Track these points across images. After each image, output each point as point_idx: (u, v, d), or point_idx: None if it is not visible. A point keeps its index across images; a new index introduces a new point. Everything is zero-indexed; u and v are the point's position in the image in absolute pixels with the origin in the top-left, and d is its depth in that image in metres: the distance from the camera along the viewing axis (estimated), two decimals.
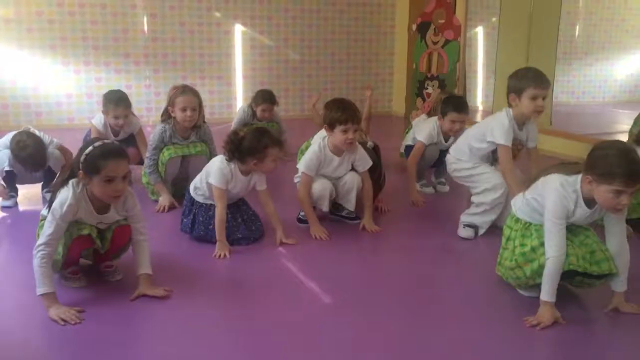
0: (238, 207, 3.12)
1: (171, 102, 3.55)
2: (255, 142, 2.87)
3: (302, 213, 3.31)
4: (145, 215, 2.54)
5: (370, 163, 3.29)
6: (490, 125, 3.07)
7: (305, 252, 2.98)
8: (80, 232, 2.34)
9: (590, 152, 2.18)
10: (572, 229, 2.30)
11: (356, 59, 7.61)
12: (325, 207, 3.29)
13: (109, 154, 2.25)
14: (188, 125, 3.56)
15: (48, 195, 3.71)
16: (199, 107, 3.58)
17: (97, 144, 2.30)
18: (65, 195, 2.27)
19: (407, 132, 4.53)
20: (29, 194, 3.79)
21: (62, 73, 6.27)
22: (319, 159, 3.19)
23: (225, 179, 2.90)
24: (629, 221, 2.84)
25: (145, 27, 6.48)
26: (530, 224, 2.38)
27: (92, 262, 2.63)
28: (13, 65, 6.10)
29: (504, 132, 2.98)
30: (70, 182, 2.31)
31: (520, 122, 3.05)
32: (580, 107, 7.31)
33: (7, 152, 3.49)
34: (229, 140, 2.90)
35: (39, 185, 3.77)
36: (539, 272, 2.26)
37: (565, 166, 2.32)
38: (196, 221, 3.04)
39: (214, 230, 2.91)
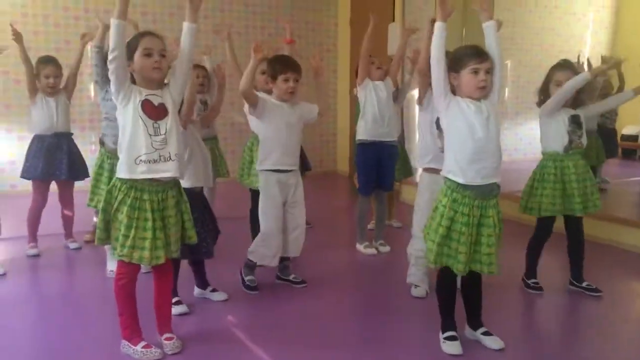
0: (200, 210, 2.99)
1: None
2: None
3: (247, 278, 3.40)
4: None
5: (316, 107, 3.41)
6: None
7: (252, 318, 3.06)
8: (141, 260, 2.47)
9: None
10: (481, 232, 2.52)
11: None
12: (273, 263, 3.36)
13: (145, 32, 2.53)
14: None
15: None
16: None
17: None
18: None
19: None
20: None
21: (5, 140, 6.25)
22: (265, 98, 3.29)
23: None
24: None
25: (92, 94, 6.56)
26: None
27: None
28: None
29: None
30: None
31: None
32: (514, 163, 7.70)
33: None
34: None
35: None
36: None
37: None
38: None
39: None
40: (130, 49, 2.46)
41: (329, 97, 7.78)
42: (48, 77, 4.09)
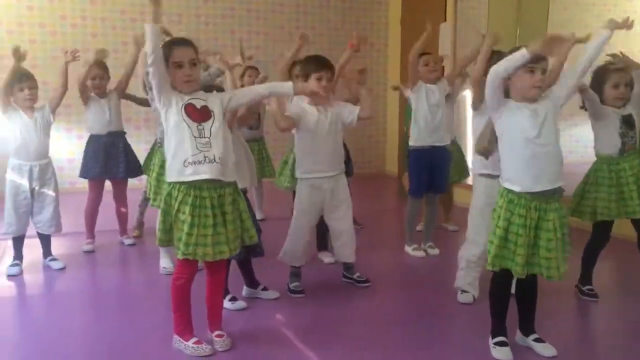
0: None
1: None
2: None
3: (292, 285, 3.41)
4: None
5: (357, 109, 3.26)
6: None
7: (303, 319, 3.09)
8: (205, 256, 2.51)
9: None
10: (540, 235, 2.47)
11: None
12: (297, 262, 3.38)
13: (175, 41, 2.56)
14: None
15: (52, 263, 3.86)
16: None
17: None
18: None
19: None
20: (33, 260, 3.91)
21: (65, 139, 6.49)
22: (295, 106, 3.27)
23: None
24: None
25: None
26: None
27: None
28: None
29: None
30: None
31: None
32: (569, 166, 7.47)
33: None
34: None
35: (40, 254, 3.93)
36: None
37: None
38: None
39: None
40: (163, 58, 2.47)
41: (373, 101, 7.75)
42: (94, 78, 4.21)
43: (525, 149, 2.44)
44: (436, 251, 4.19)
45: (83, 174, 4.35)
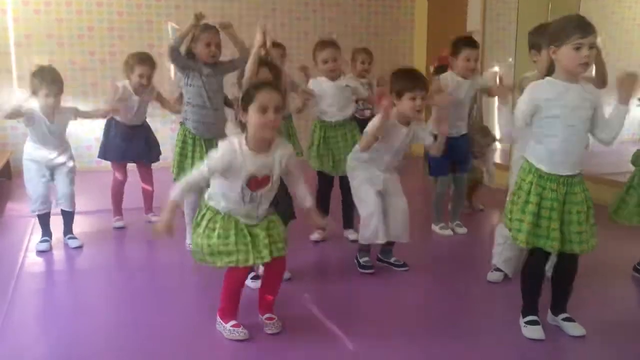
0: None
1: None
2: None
3: (362, 260, 3.35)
4: None
5: (431, 139, 3.24)
6: None
7: (328, 299, 3.06)
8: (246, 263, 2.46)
9: (544, 31, 2.49)
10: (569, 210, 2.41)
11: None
12: (381, 239, 3.26)
13: (261, 84, 2.44)
14: None
15: (71, 241, 3.87)
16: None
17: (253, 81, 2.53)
18: (222, 146, 2.43)
19: None
20: (61, 237, 3.95)
21: None
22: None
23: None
24: None
25: (172, 74, 6.71)
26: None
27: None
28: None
29: None
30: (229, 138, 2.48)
31: None
32: (599, 145, 7.30)
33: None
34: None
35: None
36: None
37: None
38: None
39: None
40: (245, 100, 2.40)
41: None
42: (142, 76, 4.13)
43: (560, 133, 2.36)
44: (464, 230, 4.13)
45: (102, 156, 4.37)
